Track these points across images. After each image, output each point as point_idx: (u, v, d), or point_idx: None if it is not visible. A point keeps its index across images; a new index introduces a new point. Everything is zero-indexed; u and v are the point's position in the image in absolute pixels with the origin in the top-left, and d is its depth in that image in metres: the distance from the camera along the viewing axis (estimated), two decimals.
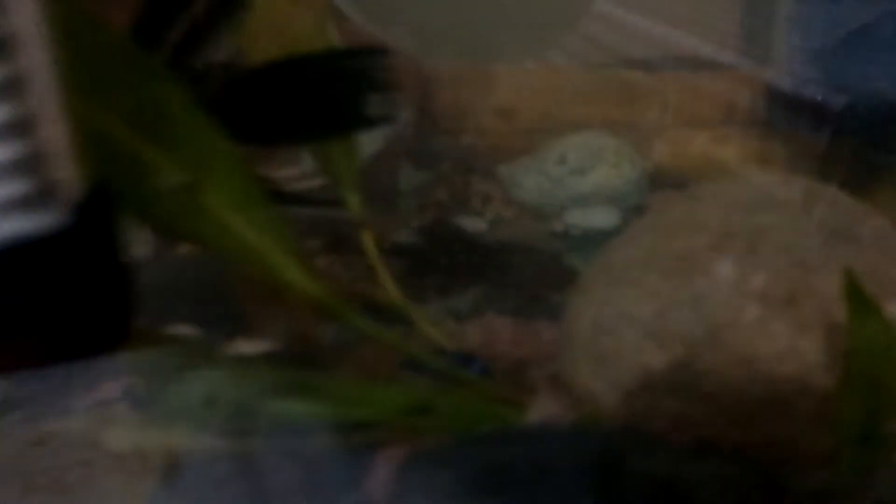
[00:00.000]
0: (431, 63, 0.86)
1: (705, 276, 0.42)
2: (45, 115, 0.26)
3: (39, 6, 0.26)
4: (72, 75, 0.27)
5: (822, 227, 0.44)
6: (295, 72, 0.44)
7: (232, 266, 0.43)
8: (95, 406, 0.50)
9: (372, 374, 0.45)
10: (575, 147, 0.78)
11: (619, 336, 0.43)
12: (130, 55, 0.36)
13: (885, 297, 0.39)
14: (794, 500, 0.40)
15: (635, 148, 0.81)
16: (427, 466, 0.41)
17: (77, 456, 0.49)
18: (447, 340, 0.53)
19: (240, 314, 0.45)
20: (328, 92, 0.45)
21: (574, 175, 0.77)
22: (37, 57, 0.26)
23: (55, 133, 0.27)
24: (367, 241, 0.50)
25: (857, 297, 0.37)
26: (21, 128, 0.26)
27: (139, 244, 0.66)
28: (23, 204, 0.27)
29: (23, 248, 0.27)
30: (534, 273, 0.61)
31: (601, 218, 0.75)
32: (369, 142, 0.65)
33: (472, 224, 0.76)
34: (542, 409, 0.43)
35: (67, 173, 0.27)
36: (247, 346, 0.47)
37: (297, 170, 0.52)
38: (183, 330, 0.54)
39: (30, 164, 0.26)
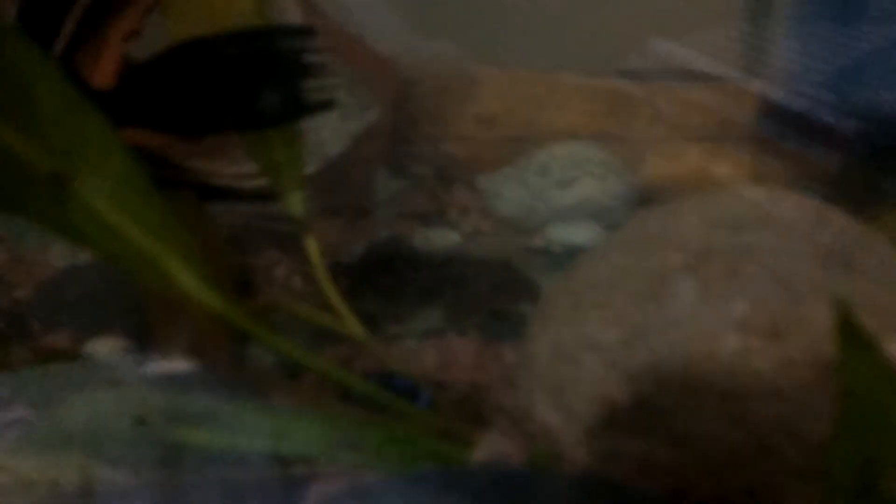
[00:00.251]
0: (412, 64, 0.81)
1: (679, 301, 0.36)
2: None
3: None
4: None
5: (818, 251, 0.39)
6: (211, 53, 0.39)
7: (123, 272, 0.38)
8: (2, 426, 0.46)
9: (303, 402, 0.40)
10: (558, 158, 0.73)
11: (580, 364, 0.37)
12: None
13: (885, 332, 0.34)
14: None
15: (624, 161, 0.76)
16: None
17: None
18: (399, 363, 0.47)
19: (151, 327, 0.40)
20: (254, 75, 0.40)
21: (557, 187, 0.72)
22: None
23: None
24: (312, 247, 0.45)
25: (853, 332, 0.31)
26: None
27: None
28: None
29: None
30: (502, 291, 0.56)
31: (584, 234, 0.70)
32: (333, 140, 0.60)
33: (446, 237, 0.71)
34: (491, 447, 0.38)
35: None
36: (169, 364, 0.42)
37: (248, 167, 0.47)
38: (106, 344, 0.49)
39: None
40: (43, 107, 0.31)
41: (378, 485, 0.37)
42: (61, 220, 0.31)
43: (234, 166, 0.44)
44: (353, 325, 0.45)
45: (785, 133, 0.72)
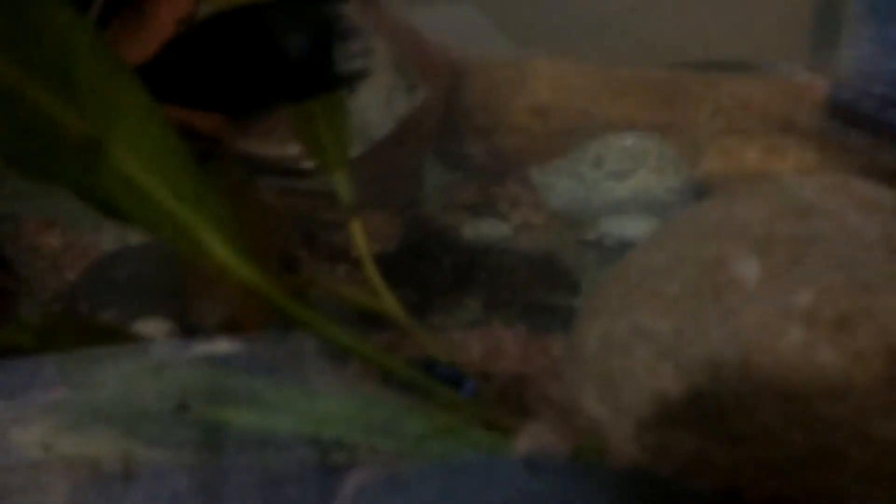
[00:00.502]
0: (464, 55, 0.80)
1: (738, 289, 0.34)
2: None
3: None
4: None
5: (888, 240, 0.36)
6: (241, 23, 0.38)
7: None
8: (46, 407, 0.46)
9: (346, 386, 0.39)
10: (613, 149, 0.71)
11: (631, 355, 0.36)
12: None
13: None
14: None
15: (682, 154, 0.74)
16: (389, 496, 0.35)
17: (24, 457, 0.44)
18: (443, 352, 0.46)
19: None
20: (284, 47, 0.39)
21: (611, 179, 0.70)
22: None
23: None
24: (357, 232, 0.44)
25: None
26: None
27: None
28: None
29: None
30: (539, 283, 0.54)
31: (638, 227, 0.68)
32: (379, 123, 0.59)
33: (495, 228, 0.69)
34: (534, 438, 0.36)
35: None
36: (211, 346, 0.41)
37: (294, 149, 0.46)
38: (153, 325, 0.49)
39: None
40: (79, 70, 0.30)
41: (417, 474, 0.36)
42: (95, 187, 0.31)
43: (280, 148, 0.43)
44: (396, 311, 0.44)
45: (850, 131, 0.70)
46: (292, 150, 0.47)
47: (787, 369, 0.33)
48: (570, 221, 0.72)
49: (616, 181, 0.70)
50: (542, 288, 0.54)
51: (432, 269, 0.52)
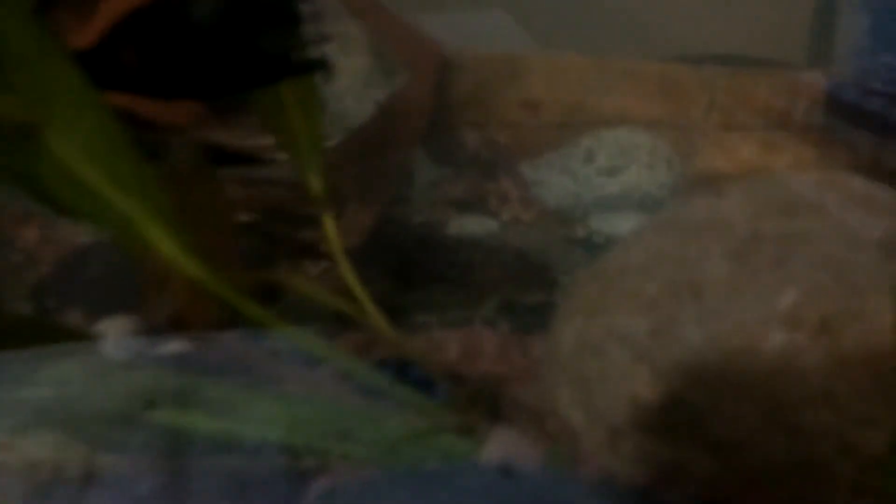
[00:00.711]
0: (456, 48, 0.78)
1: (719, 289, 0.33)
2: None
3: None
4: None
5: (876, 239, 0.34)
6: (191, 7, 0.36)
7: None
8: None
9: (312, 390, 0.37)
10: (605, 144, 0.69)
11: (606, 357, 0.34)
12: None
13: None
14: None
15: (676, 149, 0.72)
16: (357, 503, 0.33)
17: None
18: (418, 353, 0.44)
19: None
20: (239, 31, 0.37)
21: (602, 175, 0.69)
22: None
23: None
24: (329, 227, 0.42)
25: None
26: None
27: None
28: None
29: None
30: (513, 281, 0.52)
31: (629, 225, 0.66)
32: (357, 109, 0.56)
33: (482, 225, 0.67)
34: (504, 444, 0.34)
35: None
36: (172, 346, 0.40)
37: (264, 139, 0.44)
38: (118, 323, 0.47)
39: None
40: (13, 54, 0.29)
41: (381, 480, 0.34)
42: (32, 176, 0.29)
43: (250, 139, 0.41)
44: (370, 311, 0.42)
45: (848, 126, 0.68)
46: (261, 139, 0.45)
47: (768, 374, 0.31)
48: (560, 218, 0.70)
49: (607, 177, 0.68)
50: (519, 286, 0.52)
51: (406, 265, 0.50)
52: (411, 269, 0.52)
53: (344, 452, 0.36)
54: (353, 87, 0.55)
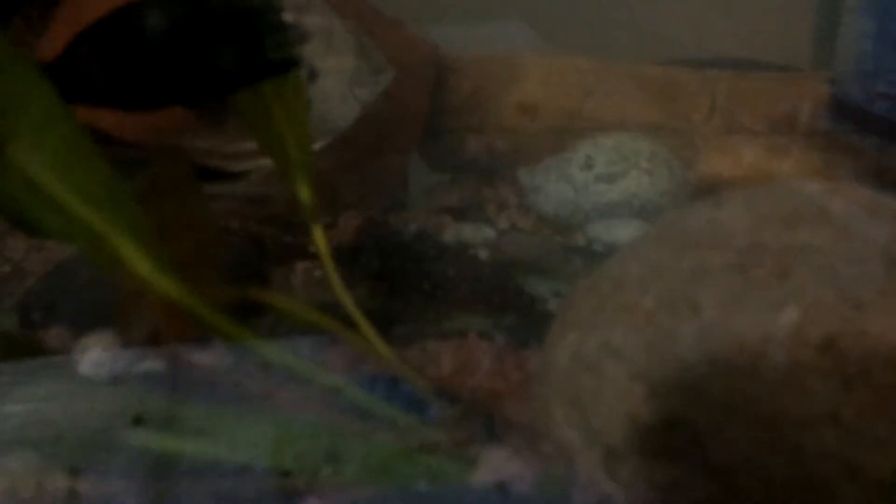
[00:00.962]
0: (452, 52, 0.77)
1: (718, 304, 0.31)
2: None
3: None
4: None
5: (882, 252, 0.33)
6: (155, 14, 0.34)
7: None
8: None
9: (300, 409, 0.36)
10: (604, 150, 0.68)
11: (601, 374, 0.33)
12: None
13: None
14: None
15: (677, 155, 0.70)
16: None
17: None
18: (410, 368, 0.43)
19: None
20: (206, 36, 0.36)
21: (601, 182, 0.67)
22: None
23: None
24: (318, 236, 0.41)
25: None
26: None
27: None
28: None
29: None
30: (489, 294, 0.51)
31: (628, 233, 0.65)
32: (343, 110, 0.55)
33: (478, 233, 0.66)
34: (497, 464, 0.33)
35: None
36: (147, 364, 0.38)
37: (248, 145, 0.43)
38: (101, 339, 0.46)
39: None
40: None
41: (371, 501, 0.33)
42: None
43: (232, 144, 0.40)
44: (360, 323, 0.41)
45: (853, 129, 0.66)
46: (244, 145, 0.43)
47: (769, 393, 0.30)
48: (558, 226, 0.68)
49: (606, 183, 0.67)
50: (511, 298, 0.50)
51: (390, 275, 0.49)
52: (404, 279, 0.51)
53: (333, 472, 0.34)
54: (338, 87, 0.54)
